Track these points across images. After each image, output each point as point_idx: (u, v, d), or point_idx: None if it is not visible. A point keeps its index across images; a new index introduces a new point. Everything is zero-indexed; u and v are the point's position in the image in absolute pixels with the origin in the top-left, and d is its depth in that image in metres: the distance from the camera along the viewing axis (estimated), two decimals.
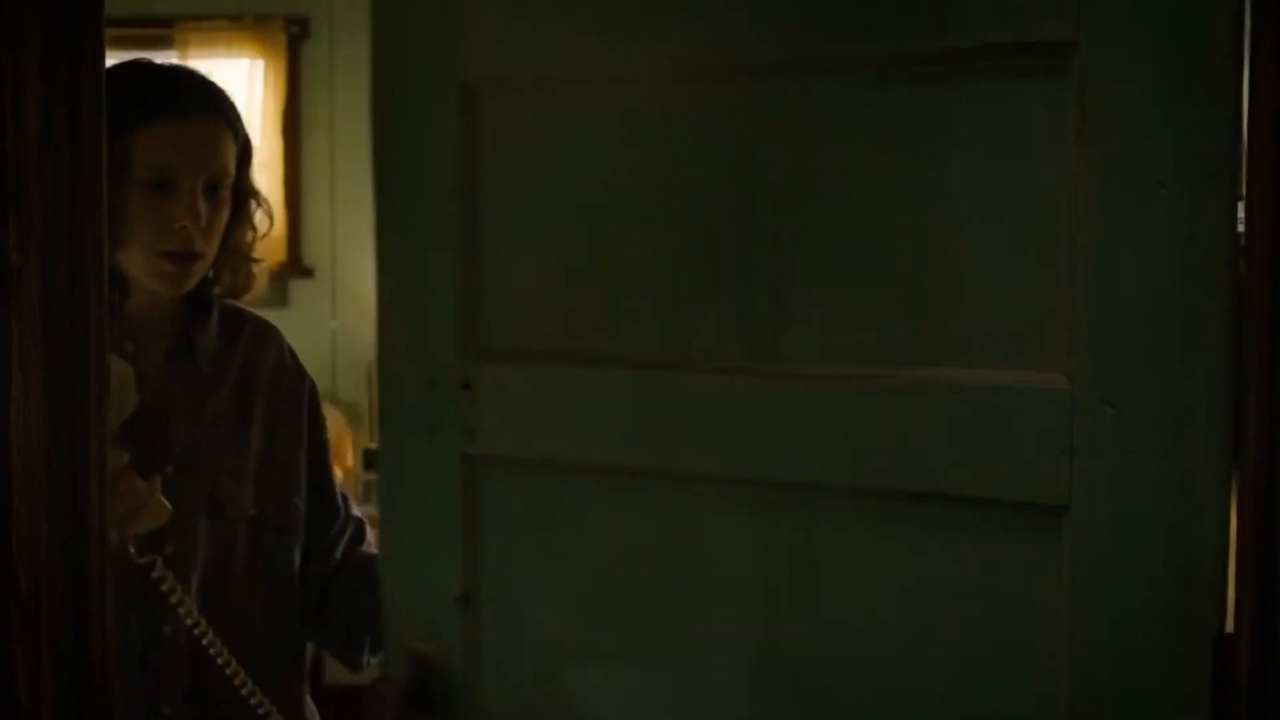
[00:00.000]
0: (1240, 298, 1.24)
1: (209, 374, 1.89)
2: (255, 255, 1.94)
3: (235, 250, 1.89)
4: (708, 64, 1.48)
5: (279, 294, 5.34)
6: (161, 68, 1.89)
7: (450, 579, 1.58)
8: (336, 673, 4.95)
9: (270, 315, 1.92)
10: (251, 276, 1.93)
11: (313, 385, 2.00)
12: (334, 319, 5.39)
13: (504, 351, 1.59)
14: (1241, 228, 1.24)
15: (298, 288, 5.40)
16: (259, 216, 1.93)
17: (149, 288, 1.81)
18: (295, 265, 5.38)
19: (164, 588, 1.71)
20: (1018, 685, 1.35)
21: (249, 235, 1.92)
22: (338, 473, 6.29)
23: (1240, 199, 1.26)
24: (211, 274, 1.87)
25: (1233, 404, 1.24)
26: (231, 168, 1.84)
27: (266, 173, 5.31)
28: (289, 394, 1.96)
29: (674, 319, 1.51)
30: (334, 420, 5.47)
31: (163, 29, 5.29)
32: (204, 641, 1.73)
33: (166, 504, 1.72)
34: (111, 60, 1.48)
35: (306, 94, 5.41)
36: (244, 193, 1.89)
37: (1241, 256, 1.24)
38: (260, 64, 5.31)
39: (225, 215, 1.83)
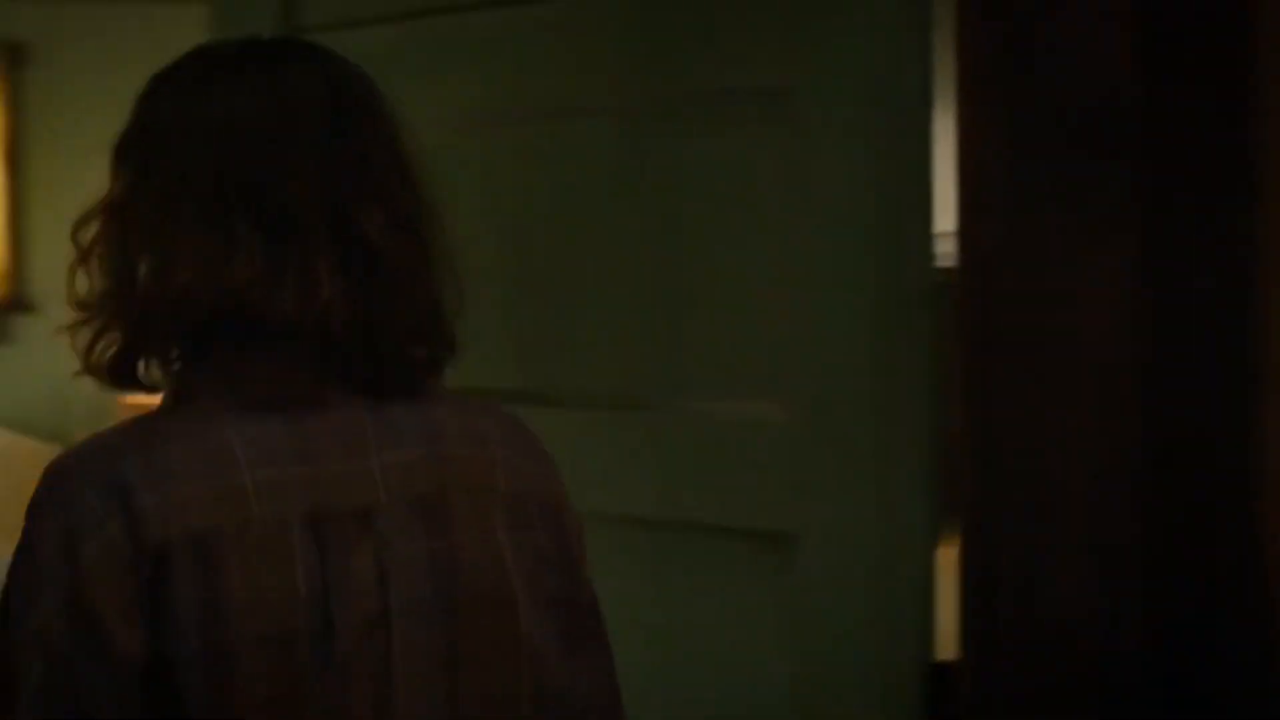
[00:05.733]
0: (940, 328, 1.30)
1: None
2: None
3: None
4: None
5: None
6: None
7: None
8: None
9: None
10: None
11: None
12: (65, 357, 5.17)
13: None
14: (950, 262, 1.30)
15: (20, 324, 5.18)
16: None
17: None
18: (17, 300, 5.15)
19: None
20: (744, 704, 1.40)
21: None
22: None
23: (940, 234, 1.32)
24: None
25: (937, 436, 1.30)
26: None
27: None
28: None
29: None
30: None
31: None
32: None
33: None
34: None
35: (29, 122, 5.20)
36: None
37: (949, 288, 1.30)
38: None
39: None
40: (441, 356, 1.19)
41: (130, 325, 1.16)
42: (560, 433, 1.50)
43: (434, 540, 1.15)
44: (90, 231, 1.20)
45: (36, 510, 1.13)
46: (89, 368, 1.21)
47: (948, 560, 1.30)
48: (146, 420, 1.18)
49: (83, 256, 1.19)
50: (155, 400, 1.21)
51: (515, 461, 1.20)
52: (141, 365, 1.17)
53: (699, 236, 1.42)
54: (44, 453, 5.11)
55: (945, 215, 1.32)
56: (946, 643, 1.31)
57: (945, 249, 1.31)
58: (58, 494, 1.12)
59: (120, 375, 1.18)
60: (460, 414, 1.20)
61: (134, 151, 1.21)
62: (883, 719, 1.33)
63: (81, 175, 5.87)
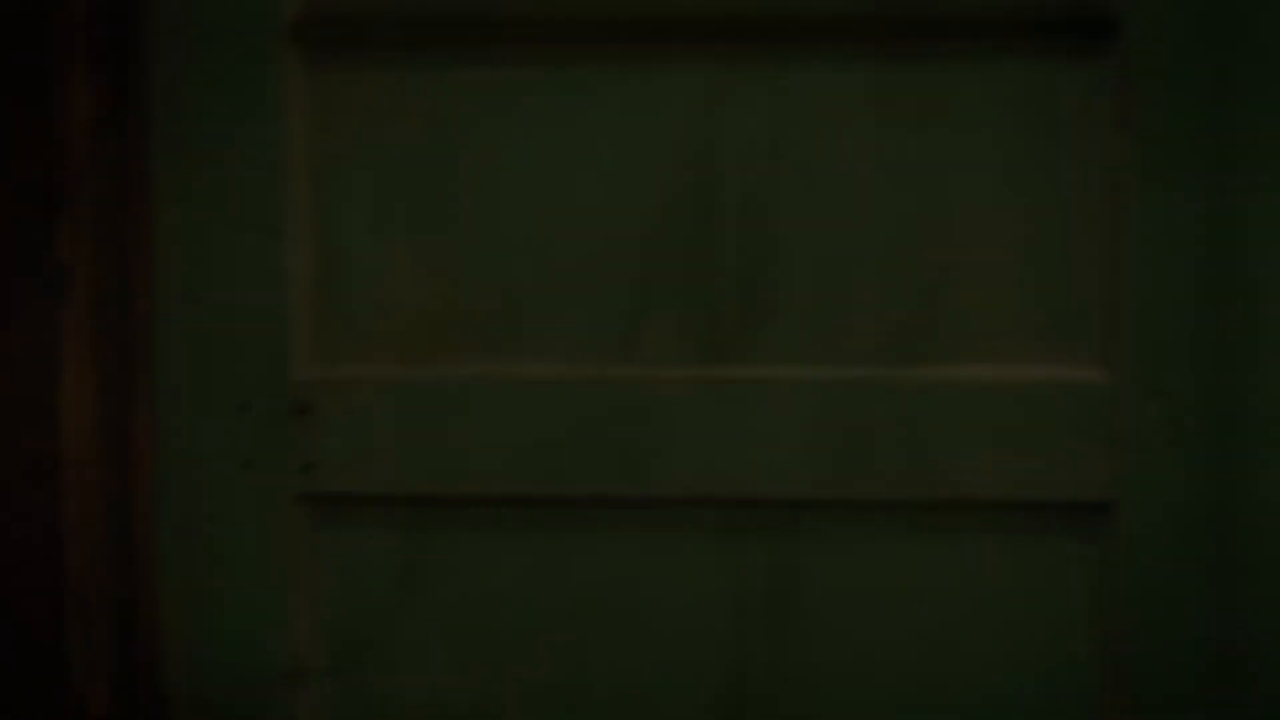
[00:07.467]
0: None
1: None
2: None
3: None
4: (656, 18, 1.31)
5: None
6: None
7: (280, 648, 1.34)
8: None
9: None
10: None
11: None
12: None
13: (362, 366, 1.33)
14: None
15: None
16: None
17: None
18: None
19: None
20: (1046, 683, 1.32)
21: None
22: None
23: None
24: None
25: None
26: None
27: None
28: None
29: (610, 319, 1.32)
30: None
31: None
32: None
33: None
34: None
35: None
36: None
37: None
38: None
39: None
40: None
41: None
42: (796, 409, 1.30)
43: None
44: None
45: None
46: None
47: None
48: None
49: None
50: None
51: None
52: None
53: (981, 187, 1.30)
54: None
55: None
56: None
57: None
58: None
59: None
60: None
61: None
62: (1215, 702, 1.27)
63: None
